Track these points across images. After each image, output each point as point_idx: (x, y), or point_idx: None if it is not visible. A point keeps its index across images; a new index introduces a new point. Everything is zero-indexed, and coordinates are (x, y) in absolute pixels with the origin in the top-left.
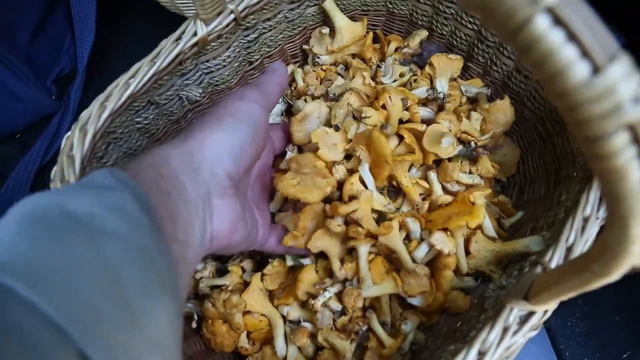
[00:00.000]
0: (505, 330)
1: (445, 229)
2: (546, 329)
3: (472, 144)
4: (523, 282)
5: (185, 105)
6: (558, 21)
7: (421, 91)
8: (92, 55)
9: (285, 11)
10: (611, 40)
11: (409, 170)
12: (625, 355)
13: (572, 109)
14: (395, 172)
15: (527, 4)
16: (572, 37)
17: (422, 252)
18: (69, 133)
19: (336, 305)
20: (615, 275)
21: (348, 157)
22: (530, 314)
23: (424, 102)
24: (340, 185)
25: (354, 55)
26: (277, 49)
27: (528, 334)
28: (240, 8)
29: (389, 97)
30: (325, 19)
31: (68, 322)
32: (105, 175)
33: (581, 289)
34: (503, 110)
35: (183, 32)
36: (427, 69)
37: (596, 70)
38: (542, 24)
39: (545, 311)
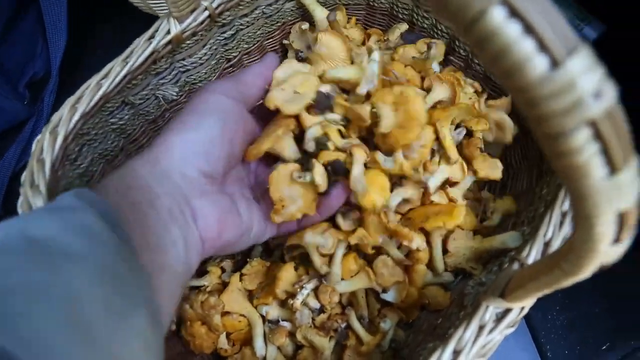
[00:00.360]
0: (481, 328)
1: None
2: (526, 322)
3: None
4: (500, 279)
5: (162, 104)
6: (514, 13)
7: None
8: (66, 58)
9: (263, 7)
10: (571, 32)
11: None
12: (604, 347)
13: (531, 105)
14: (438, 124)
15: None
16: (529, 30)
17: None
18: (39, 136)
19: (314, 303)
20: (585, 273)
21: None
22: (507, 311)
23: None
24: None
25: None
26: (256, 45)
27: (505, 332)
28: (214, 5)
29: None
30: (305, 14)
31: (21, 351)
32: (70, 198)
33: (554, 287)
34: (505, 107)
35: (156, 31)
36: None
37: (555, 64)
38: (497, 16)
39: (522, 308)
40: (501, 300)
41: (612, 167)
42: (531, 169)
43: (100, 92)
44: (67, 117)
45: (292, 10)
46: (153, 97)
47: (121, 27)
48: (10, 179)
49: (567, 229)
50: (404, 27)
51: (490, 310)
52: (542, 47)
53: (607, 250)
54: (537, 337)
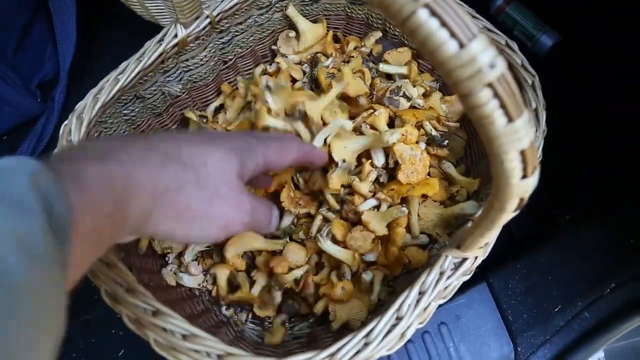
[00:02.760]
0: (441, 274)
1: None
2: (490, 291)
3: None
4: (458, 234)
5: (167, 99)
6: (433, 13)
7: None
8: (74, 62)
9: (255, 16)
10: (473, 25)
11: None
12: (556, 310)
13: (448, 74)
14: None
15: (411, 2)
16: (443, 24)
17: (367, 206)
18: (66, 121)
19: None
20: (510, 206)
21: None
22: (463, 260)
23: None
24: None
25: (316, 54)
26: (249, 50)
27: (461, 278)
28: (215, 13)
29: None
30: (291, 22)
31: None
32: (27, 186)
33: (492, 227)
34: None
35: (165, 34)
36: (382, 64)
37: (461, 46)
38: (422, 15)
39: (476, 258)
40: (457, 250)
41: (509, 117)
42: (488, 156)
43: (118, 86)
44: (91, 105)
45: (280, 19)
46: (160, 93)
47: (121, 34)
48: None
49: None
50: (378, 34)
51: (449, 259)
52: (452, 34)
53: (519, 184)
54: (500, 303)
